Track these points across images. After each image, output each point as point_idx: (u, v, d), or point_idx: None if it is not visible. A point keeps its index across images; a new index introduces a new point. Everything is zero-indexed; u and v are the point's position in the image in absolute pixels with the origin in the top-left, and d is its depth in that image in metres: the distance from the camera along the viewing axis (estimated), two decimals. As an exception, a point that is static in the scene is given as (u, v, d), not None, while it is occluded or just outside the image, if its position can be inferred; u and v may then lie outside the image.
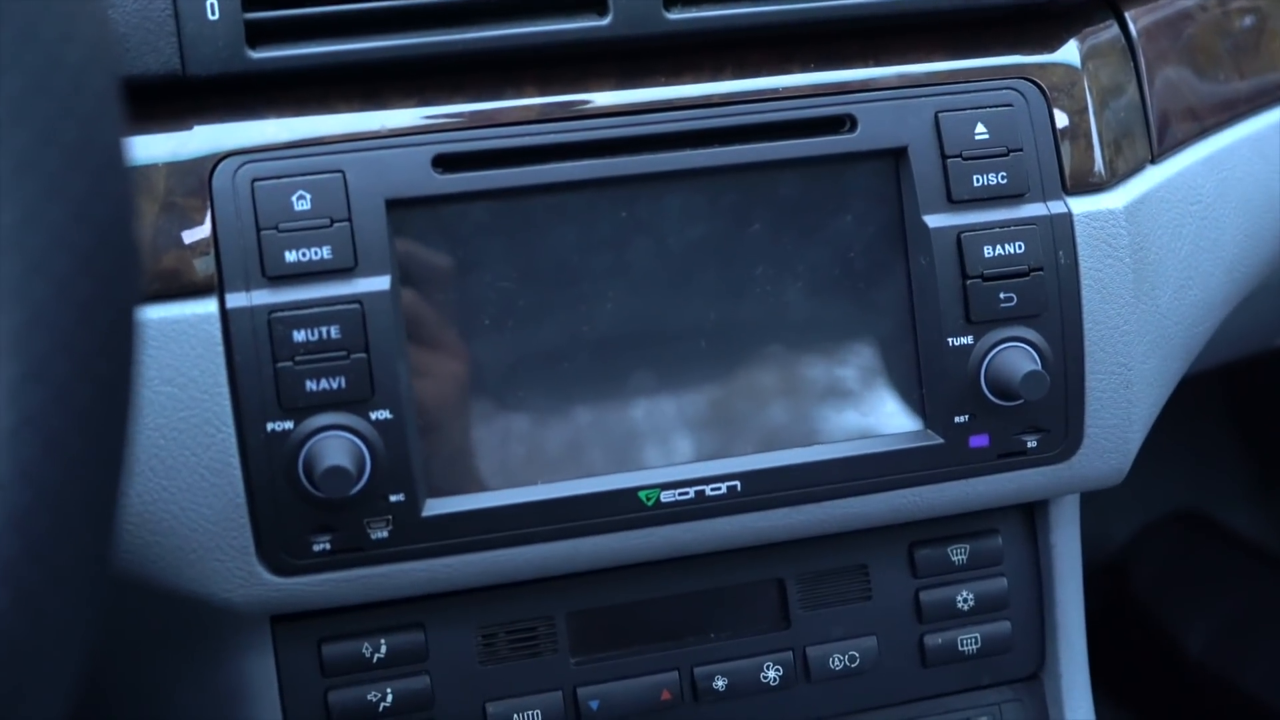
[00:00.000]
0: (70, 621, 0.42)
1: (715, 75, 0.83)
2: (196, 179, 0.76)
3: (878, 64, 0.85)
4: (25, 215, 0.40)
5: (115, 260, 0.43)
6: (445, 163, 0.78)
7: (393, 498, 0.77)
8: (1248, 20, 0.96)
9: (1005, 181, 0.83)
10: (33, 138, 0.41)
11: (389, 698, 0.85)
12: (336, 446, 0.75)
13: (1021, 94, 0.85)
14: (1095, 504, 1.00)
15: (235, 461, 0.76)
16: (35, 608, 0.40)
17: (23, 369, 0.40)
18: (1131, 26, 0.90)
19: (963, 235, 0.82)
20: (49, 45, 0.41)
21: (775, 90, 0.83)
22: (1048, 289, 0.83)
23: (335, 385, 0.75)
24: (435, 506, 0.78)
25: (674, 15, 0.81)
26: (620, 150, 0.80)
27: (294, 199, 0.76)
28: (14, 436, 0.40)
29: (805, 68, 0.84)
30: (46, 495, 0.40)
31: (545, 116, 0.80)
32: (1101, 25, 0.90)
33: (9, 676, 0.40)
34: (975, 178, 0.83)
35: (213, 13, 0.76)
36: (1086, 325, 0.85)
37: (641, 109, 0.81)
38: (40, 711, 0.42)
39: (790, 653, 0.90)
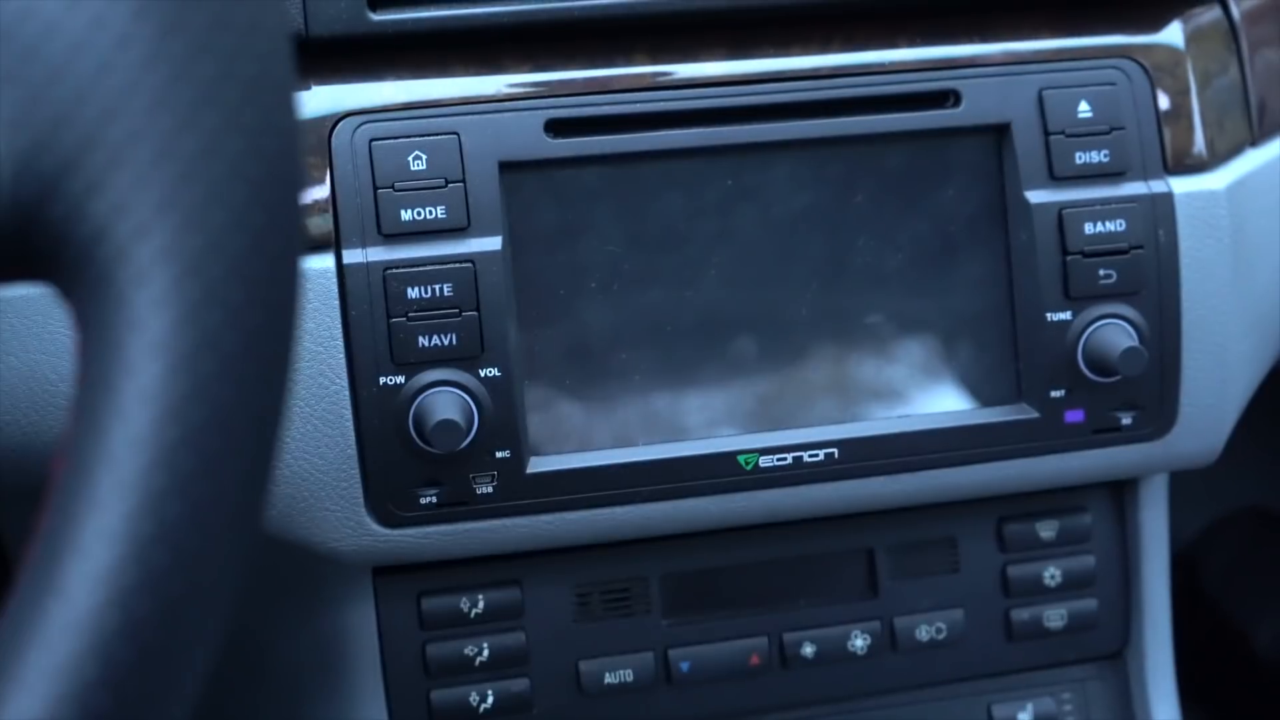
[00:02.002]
0: (235, 543, 0.44)
1: (823, 48, 0.84)
2: (316, 138, 0.78)
3: (983, 40, 0.86)
4: (207, 146, 0.42)
5: (284, 194, 0.44)
6: (557, 127, 0.80)
7: (499, 454, 0.79)
8: (1351, 5, 0.96)
9: (1107, 159, 0.84)
10: (214, 71, 0.42)
11: (485, 652, 0.87)
12: (447, 401, 0.76)
13: (1125, 73, 0.85)
14: (1170, 493, 1.00)
15: (348, 414, 0.78)
16: (205, 523, 0.42)
17: (201, 292, 0.41)
18: (1234, 9, 0.91)
19: (1064, 211, 0.83)
20: None
21: (882, 64, 0.84)
22: (1147, 267, 0.84)
23: (446, 341, 0.77)
24: (539, 464, 0.80)
25: (785, -13, 0.82)
26: (728, 119, 0.82)
27: (410, 159, 0.78)
28: (191, 356, 0.41)
29: (912, 42, 0.85)
30: (220, 413, 0.42)
31: (656, 84, 0.82)
32: (1205, 7, 0.90)
33: (178, 584, 0.42)
34: (1078, 155, 0.84)
35: (336, -25, 0.78)
36: (1184, 304, 0.85)
37: (750, 79, 0.82)
38: (202, 627, 0.44)
39: (878, 622, 0.91)
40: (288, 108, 0.45)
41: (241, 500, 0.44)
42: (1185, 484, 0.94)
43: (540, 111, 0.80)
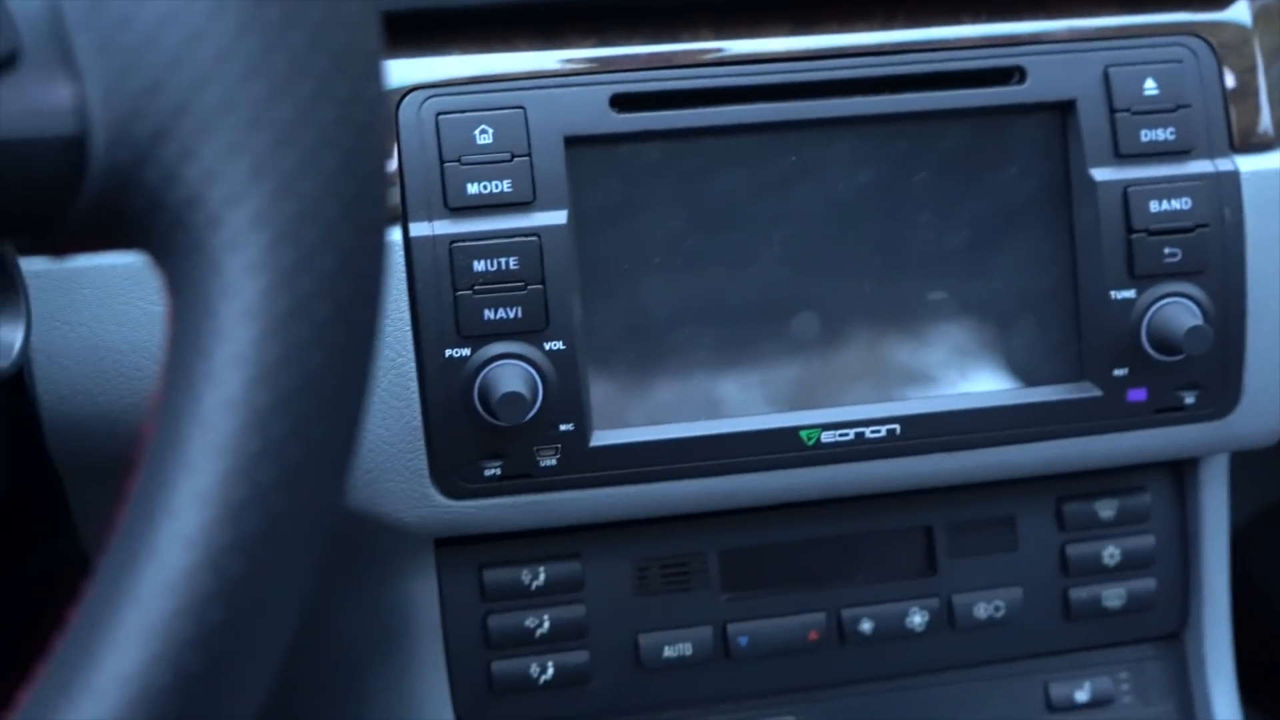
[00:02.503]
0: (324, 506, 0.44)
1: (887, 24, 0.84)
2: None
3: (1048, 17, 0.85)
4: (299, 114, 0.42)
5: (372, 163, 0.45)
6: (622, 102, 0.80)
7: (562, 427, 0.79)
8: None
9: (1173, 137, 0.84)
10: (304, 41, 0.43)
11: (545, 624, 0.87)
12: (512, 374, 0.77)
13: (1192, 50, 0.85)
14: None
15: (414, 386, 0.78)
16: (297, 487, 0.43)
17: (293, 259, 0.42)
18: (1302, -13, 0.90)
19: (1129, 189, 0.83)
20: None
21: (946, 40, 0.84)
22: (1212, 245, 0.84)
23: (512, 315, 0.78)
24: (602, 437, 0.80)
25: (849, -37, 0.82)
26: (792, 95, 0.82)
27: (476, 133, 0.78)
28: (284, 322, 0.42)
29: (976, 19, 0.85)
30: (311, 379, 0.42)
31: (720, 60, 0.82)
32: (1272, -16, 0.90)
33: (269, 548, 0.42)
34: (1143, 132, 0.83)
35: (405, -50, 0.78)
36: (1249, 283, 0.85)
37: (814, 55, 0.82)
38: (288, 593, 0.44)
39: (936, 599, 0.91)
40: (376, 77, 0.45)
41: (329, 466, 0.44)
42: (1233, 472, 0.93)
43: (605, 86, 0.80)
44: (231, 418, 0.42)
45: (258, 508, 0.42)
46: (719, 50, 0.82)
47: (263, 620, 0.44)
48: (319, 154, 0.43)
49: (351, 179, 0.43)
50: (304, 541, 0.44)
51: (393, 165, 0.78)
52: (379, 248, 0.45)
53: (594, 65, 0.81)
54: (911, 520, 0.91)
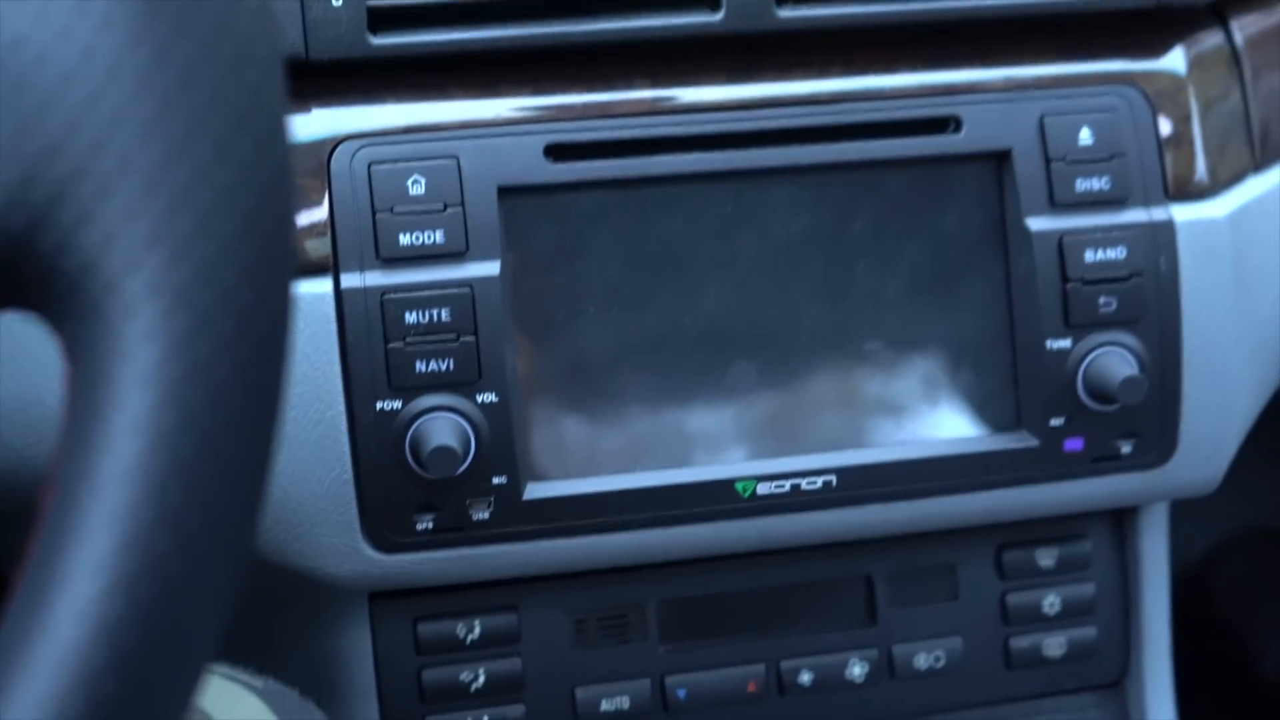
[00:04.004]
0: (223, 572, 0.44)
1: (823, 73, 0.84)
2: (315, 160, 0.78)
3: (984, 66, 0.85)
4: (196, 177, 0.42)
5: (275, 224, 0.44)
6: (557, 152, 0.79)
7: (495, 480, 0.78)
8: (1354, 33, 0.95)
9: (1108, 187, 0.84)
10: (204, 101, 0.42)
11: (481, 678, 0.86)
12: (444, 426, 0.76)
13: (1126, 99, 0.85)
14: (1172, 517, 1.00)
15: (344, 439, 0.77)
16: (193, 554, 0.42)
17: (190, 323, 0.41)
18: (1237, 35, 0.90)
19: (1064, 239, 0.83)
20: (218, 15, 0.43)
21: (882, 90, 0.84)
22: (1148, 294, 0.84)
23: (444, 367, 0.77)
24: (536, 490, 0.80)
25: (785, 12, 0.82)
26: (729, 144, 0.81)
27: (409, 183, 0.78)
28: (180, 386, 0.41)
29: (912, 68, 0.85)
30: (210, 444, 0.42)
31: (656, 109, 0.82)
32: (1207, 33, 0.90)
33: (166, 614, 0.41)
34: (1078, 182, 0.84)
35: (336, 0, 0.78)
36: (1185, 332, 0.85)
37: (750, 104, 0.82)
38: (187, 658, 0.43)
39: (876, 650, 0.91)
40: (280, 138, 0.45)
41: (231, 531, 0.44)
42: (1191, 505, 0.93)
43: (540, 136, 0.79)
44: (128, 486, 0.41)
45: (153, 577, 0.41)
46: (655, 99, 0.82)
47: (161, 691, 0.43)
48: (217, 216, 0.42)
49: (252, 241, 0.43)
50: (203, 611, 0.43)
51: (324, 215, 0.77)
52: (282, 309, 0.44)
53: (529, 114, 0.80)
54: (851, 569, 0.91)
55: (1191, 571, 1.70)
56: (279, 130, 0.45)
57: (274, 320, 0.44)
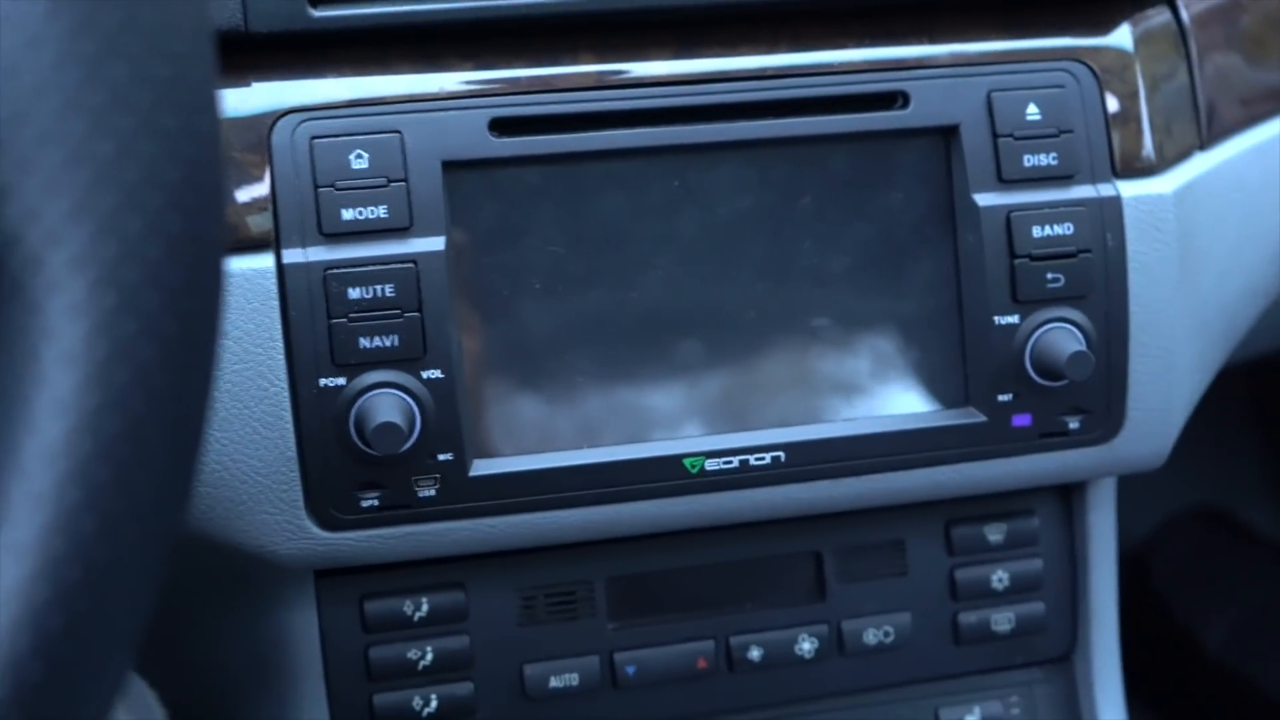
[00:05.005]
0: (149, 555, 0.43)
1: (770, 48, 0.83)
2: (256, 135, 0.77)
3: (931, 42, 0.85)
4: (120, 150, 0.41)
5: (203, 199, 0.43)
6: (501, 126, 0.79)
7: (441, 457, 0.78)
8: (1300, 10, 0.96)
9: (1055, 163, 0.84)
10: (127, 73, 0.41)
11: (429, 656, 0.86)
12: (388, 403, 0.75)
13: (1074, 76, 0.85)
14: (1121, 497, 1.01)
15: (288, 416, 0.77)
16: (118, 537, 0.41)
17: (116, 301, 0.40)
18: (1184, 13, 0.90)
19: (1012, 215, 0.83)
20: None
21: (829, 65, 0.84)
22: (1094, 271, 0.84)
23: (388, 343, 0.76)
24: (482, 467, 0.79)
25: (732, -14, 0.82)
26: (674, 119, 0.81)
27: (352, 157, 0.77)
28: (105, 366, 0.40)
29: (860, 43, 0.84)
30: (135, 425, 0.41)
31: (601, 84, 0.81)
32: (1154, 10, 0.90)
33: (89, 599, 0.41)
34: (1026, 158, 0.83)
35: (277, -30, 0.77)
36: (1131, 308, 0.85)
37: (696, 79, 0.82)
38: (114, 641, 0.43)
39: (825, 625, 0.91)
40: (208, 110, 0.44)
41: (157, 512, 0.43)
42: (1136, 484, 0.93)
43: (484, 110, 0.79)
44: (52, 467, 0.40)
45: (78, 560, 0.40)
46: (600, 74, 0.81)
47: (88, 674, 0.42)
48: (142, 191, 0.41)
49: (178, 216, 0.42)
50: (130, 593, 0.42)
51: (265, 190, 0.76)
52: (212, 286, 0.44)
53: (472, 89, 0.80)
54: (800, 545, 0.91)
55: (1137, 550, 1.71)
56: (207, 103, 0.44)
57: (203, 298, 0.43)
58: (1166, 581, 1.69)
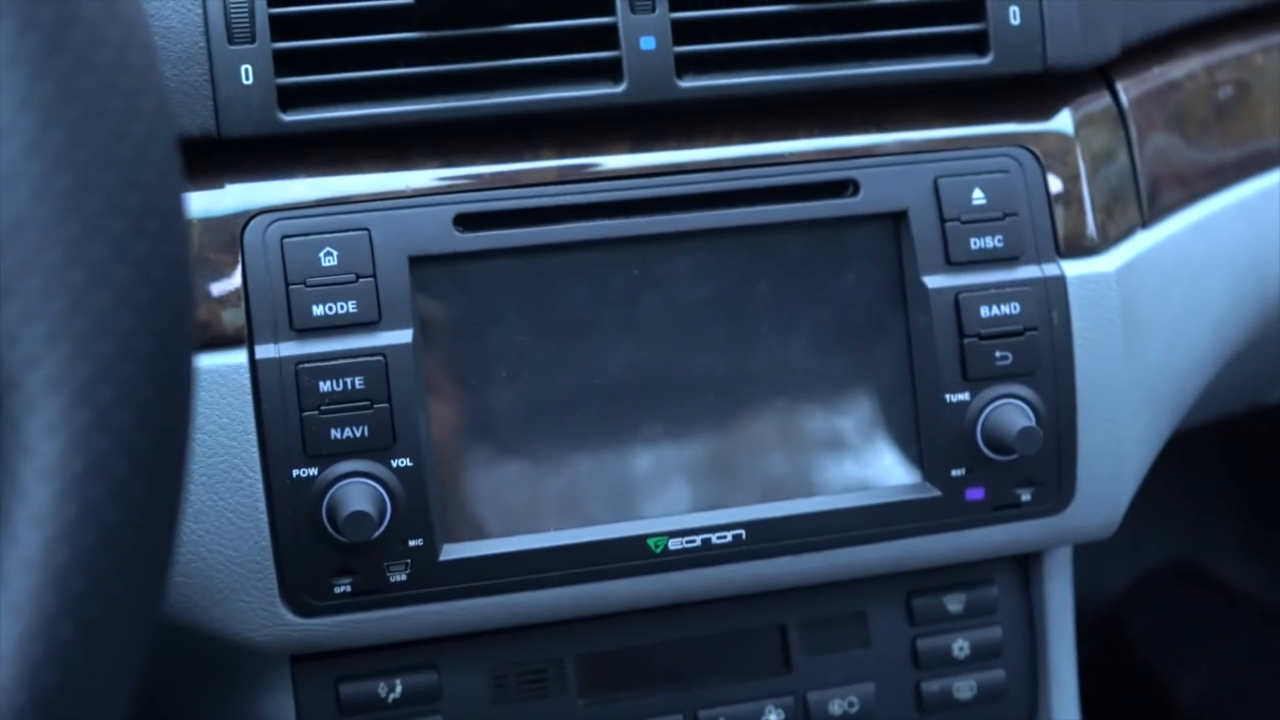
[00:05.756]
0: (125, 658, 0.45)
1: (725, 140, 0.87)
2: (228, 235, 0.80)
3: (879, 130, 0.88)
4: (93, 278, 0.44)
5: (172, 318, 0.46)
6: (466, 222, 0.82)
7: (411, 542, 0.80)
8: (1233, 90, 0.99)
9: (1001, 244, 0.87)
10: (101, 205, 0.44)
11: None
12: (359, 492, 0.78)
13: (1017, 161, 0.88)
14: (1091, 555, 1.03)
15: (261, 506, 0.79)
16: (95, 642, 0.43)
17: (90, 419, 0.43)
18: (1123, 96, 0.94)
19: (960, 295, 0.86)
20: (116, 120, 0.45)
21: (782, 155, 0.87)
22: (1041, 348, 0.87)
23: (358, 434, 0.79)
24: (452, 551, 0.81)
25: (685, 83, 0.85)
26: (634, 211, 0.84)
27: (321, 255, 0.80)
28: (81, 482, 0.43)
29: (810, 134, 0.88)
30: (110, 535, 0.43)
31: (562, 178, 0.84)
32: (1094, 95, 0.93)
33: (69, 703, 0.43)
34: (973, 240, 0.87)
35: (247, 78, 0.80)
36: (1079, 383, 0.88)
37: (654, 172, 0.85)
38: None
39: (791, 697, 0.93)
40: (176, 236, 0.47)
41: (132, 617, 0.45)
42: (1110, 542, 0.96)
43: (449, 206, 0.82)
44: (29, 577, 0.43)
45: (56, 665, 0.43)
46: (561, 168, 0.84)
47: None
48: (114, 314, 0.44)
49: (148, 336, 0.45)
50: (108, 695, 0.45)
51: (237, 287, 0.79)
52: (182, 398, 0.46)
53: (438, 186, 0.83)
54: (765, 619, 0.93)
55: (1111, 608, 1.74)
56: (175, 229, 0.47)
57: (173, 411, 0.46)
58: (1141, 638, 1.72)
